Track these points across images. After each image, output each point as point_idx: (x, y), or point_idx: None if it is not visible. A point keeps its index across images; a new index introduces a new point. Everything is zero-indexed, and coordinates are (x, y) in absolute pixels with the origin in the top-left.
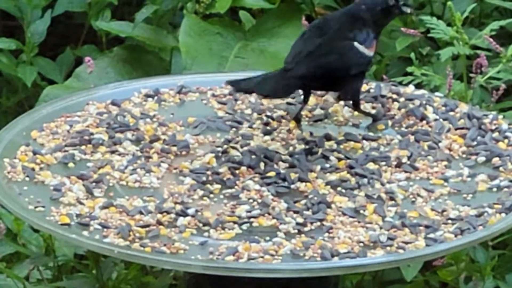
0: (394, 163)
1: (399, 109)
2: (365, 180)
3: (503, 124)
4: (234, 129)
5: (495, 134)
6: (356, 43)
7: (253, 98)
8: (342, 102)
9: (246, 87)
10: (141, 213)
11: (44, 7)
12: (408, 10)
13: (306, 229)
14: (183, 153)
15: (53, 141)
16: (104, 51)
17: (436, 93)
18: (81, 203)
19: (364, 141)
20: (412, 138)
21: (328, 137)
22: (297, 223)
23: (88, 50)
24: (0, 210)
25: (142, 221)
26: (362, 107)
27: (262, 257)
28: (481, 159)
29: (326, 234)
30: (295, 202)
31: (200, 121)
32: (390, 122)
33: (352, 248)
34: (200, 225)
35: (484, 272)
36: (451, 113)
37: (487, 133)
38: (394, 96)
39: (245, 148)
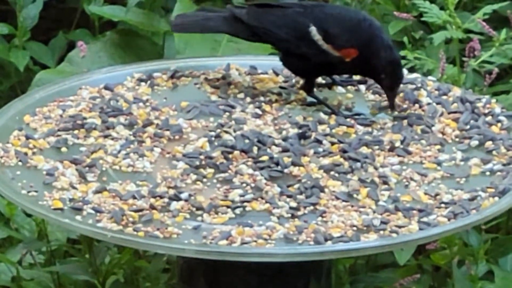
0: (387, 147)
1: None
2: (358, 164)
3: (496, 108)
4: (227, 113)
5: (488, 118)
6: (313, 28)
7: (246, 82)
8: (340, 87)
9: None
10: (134, 197)
11: None
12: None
13: (299, 213)
14: (176, 137)
15: (46, 126)
16: (96, 36)
17: (429, 77)
18: (74, 188)
19: (358, 126)
20: (405, 122)
21: (321, 121)
22: (290, 207)
23: (81, 35)
24: None
25: (135, 206)
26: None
27: (255, 241)
28: (474, 143)
29: (320, 218)
30: (288, 186)
31: (193, 106)
32: (384, 104)
33: (345, 232)
34: (193, 209)
35: (477, 255)
36: (444, 97)
37: (480, 117)
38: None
39: (238, 132)
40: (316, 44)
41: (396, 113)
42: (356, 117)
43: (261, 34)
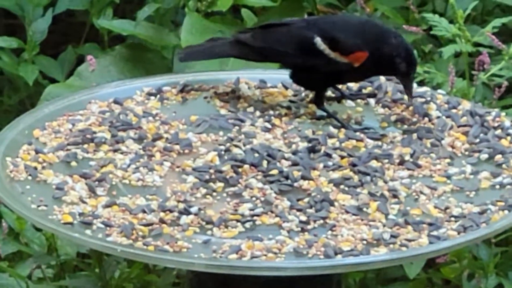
0: (397, 160)
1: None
2: (368, 178)
3: (505, 121)
4: (236, 127)
5: (498, 131)
6: (318, 38)
7: (255, 96)
8: (349, 101)
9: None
10: (144, 211)
11: (46, 5)
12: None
13: (309, 227)
14: (186, 151)
15: (56, 140)
16: (106, 50)
17: (439, 91)
18: (83, 202)
19: (367, 140)
20: (414, 135)
21: (331, 135)
22: (300, 221)
23: (90, 49)
24: (3, 209)
25: (145, 220)
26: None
27: (265, 255)
28: (484, 156)
29: (329, 232)
30: (298, 200)
31: (202, 120)
32: (393, 118)
33: (355, 246)
34: (203, 223)
35: (487, 269)
36: (454, 111)
37: (489, 130)
38: (399, 94)
39: (248, 146)
40: (323, 54)
41: (405, 126)
42: (366, 131)
43: (268, 54)
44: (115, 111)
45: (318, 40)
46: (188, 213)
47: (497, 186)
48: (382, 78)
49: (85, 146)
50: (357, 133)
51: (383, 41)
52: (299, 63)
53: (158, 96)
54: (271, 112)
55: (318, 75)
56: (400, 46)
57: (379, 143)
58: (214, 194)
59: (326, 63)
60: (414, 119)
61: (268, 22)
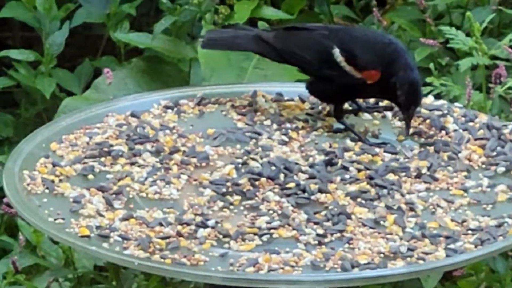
0: (414, 173)
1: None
2: (385, 191)
3: None
4: (253, 140)
5: None
6: (336, 49)
7: (272, 109)
8: (366, 114)
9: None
10: (161, 224)
11: (63, 18)
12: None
13: (326, 240)
14: (203, 164)
15: (73, 153)
16: (122, 62)
17: (456, 104)
18: (101, 215)
19: (385, 153)
20: (431, 148)
21: (347, 148)
22: (317, 234)
23: (107, 61)
24: (20, 222)
25: (162, 233)
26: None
27: (282, 268)
28: (501, 169)
29: (346, 245)
30: (315, 213)
31: (219, 133)
32: (410, 131)
33: (372, 259)
34: (220, 236)
35: (504, 282)
36: (471, 124)
37: (506, 143)
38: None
39: (265, 159)
40: (338, 66)
41: (422, 139)
42: (383, 145)
43: (287, 57)
44: (132, 124)
45: (336, 51)
46: (205, 226)
47: None
48: None
49: (102, 159)
50: (374, 147)
51: (392, 70)
52: (315, 71)
53: (175, 109)
54: (288, 125)
55: (333, 87)
56: (405, 80)
57: (396, 156)
58: (231, 207)
59: (340, 75)
60: (431, 132)
61: (292, 25)
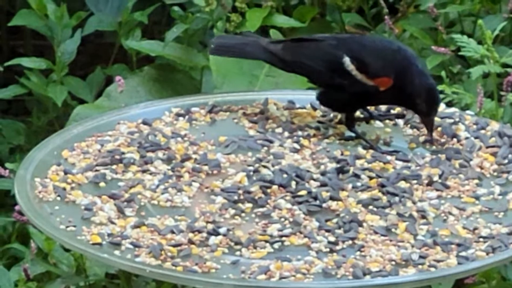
0: (426, 181)
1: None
2: (397, 198)
3: None
4: (265, 148)
5: None
6: (346, 58)
7: (284, 117)
8: (378, 122)
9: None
10: (172, 232)
11: (74, 26)
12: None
13: (337, 247)
14: (215, 172)
15: (84, 161)
16: (134, 70)
17: (467, 111)
18: (112, 223)
19: (396, 161)
20: (443, 156)
21: (359, 156)
22: (329, 242)
23: (119, 69)
24: (31, 229)
25: (174, 240)
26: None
27: (294, 275)
28: None
29: (358, 253)
30: (326, 220)
31: (231, 140)
32: (422, 139)
33: (384, 267)
34: (232, 244)
35: None
36: (482, 131)
37: None
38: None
39: (277, 167)
40: (350, 74)
41: (434, 147)
42: (394, 153)
43: (296, 68)
44: (143, 131)
45: (346, 60)
46: (216, 233)
47: None
48: None
49: (114, 166)
50: (385, 155)
51: (406, 77)
52: (326, 81)
53: (187, 116)
54: (300, 133)
55: (344, 95)
56: (422, 87)
57: (408, 163)
58: (243, 214)
59: (352, 84)
60: (443, 140)
61: (300, 36)
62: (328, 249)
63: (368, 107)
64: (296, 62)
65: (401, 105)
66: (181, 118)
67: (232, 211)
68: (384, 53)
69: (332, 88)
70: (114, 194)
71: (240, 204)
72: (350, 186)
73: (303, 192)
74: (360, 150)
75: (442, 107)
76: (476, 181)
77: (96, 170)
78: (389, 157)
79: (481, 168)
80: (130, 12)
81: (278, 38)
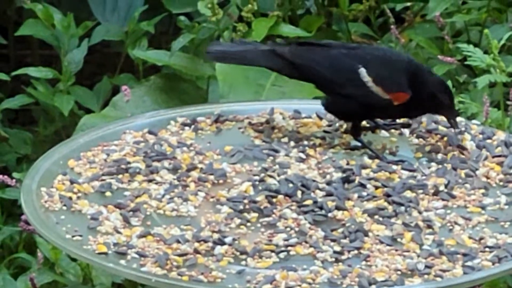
0: (432, 191)
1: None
2: (402, 208)
3: None
4: (271, 157)
5: None
6: (362, 69)
7: (290, 126)
8: (384, 131)
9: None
10: (178, 241)
11: (81, 36)
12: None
13: (343, 257)
14: (220, 181)
15: (90, 170)
16: (141, 80)
17: (473, 121)
18: (118, 232)
19: (402, 170)
20: (449, 166)
21: (365, 165)
22: (334, 252)
23: (125, 79)
24: (38, 239)
25: (180, 250)
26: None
27: (299, 285)
28: None
29: (364, 262)
30: (332, 230)
31: (237, 150)
32: (428, 149)
33: (389, 276)
34: (238, 253)
35: None
36: (488, 141)
37: None
38: (433, 125)
39: (282, 176)
40: (365, 86)
41: (439, 157)
42: (400, 162)
43: (305, 73)
44: (149, 141)
45: (363, 71)
46: (222, 243)
47: None
48: None
49: (120, 176)
50: (391, 165)
51: (424, 81)
52: (336, 89)
53: (193, 126)
54: (306, 142)
55: (354, 105)
56: (438, 82)
57: (414, 173)
58: (249, 224)
59: (364, 95)
60: (449, 150)
61: (304, 40)
62: (333, 259)
63: None
64: (306, 67)
65: (423, 112)
66: (187, 128)
67: (238, 221)
68: (399, 66)
69: (341, 97)
70: (120, 204)
71: (245, 214)
72: (355, 195)
73: (308, 202)
74: (366, 160)
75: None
76: (482, 190)
77: (102, 180)
78: (395, 167)
79: (487, 177)
80: (136, 22)
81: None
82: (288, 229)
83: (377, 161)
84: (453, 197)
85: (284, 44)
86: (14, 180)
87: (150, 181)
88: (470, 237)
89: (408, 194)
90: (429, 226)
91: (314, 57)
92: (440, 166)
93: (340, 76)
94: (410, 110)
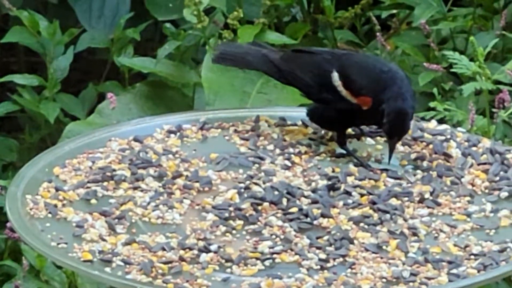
0: (417, 198)
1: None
2: (388, 215)
3: None
4: (256, 165)
5: None
6: (335, 74)
7: (275, 134)
8: (369, 139)
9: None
10: (163, 249)
11: (67, 43)
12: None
13: (328, 265)
14: (206, 189)
15: (76, 178)
16: (126, 87)
17: (459, 128)
18: (103, 240)
19: (387, 178)
20: (434, 173)
21: (350, 173)
22: (320, 259)
23: (111, 86)
24: (23, 246)
25: (165, 257)
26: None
27: None
28: (504, 194)
29: (349, 270)
30: (317, 238)
31: (222, 157)
32: (413, 156)
33: (374, 284)
34: (223, 261)
35: None
36: (474, 149)
37: (509, 168)
38: (419, 132)
39: (268, 184)
40: (336, 89)
41: (425, 164)
42: (385, 171)
43: (290, 79)
44: (135, 149)
45: (335, 75)
46: (207, 251)
47: None
48: None
49: (105, 183)
50: (376, 172)
51: (383, 97)
52: (315, 94)
53: (178, 133)
54: (291, 150)
55: (331, 112)
56: (393, 109)
57: (399, 181)
58: (234, 232)
59: (337, 100)
60: (434, 157)
61: (299, 48)
62: (319, 266)
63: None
64: (290, 73)
65: (378, 124)
66: (172, 135)
67: (223, 228)
68: (371, 72)
69: (321, 104)
70: (105, 211)
71: (231, 221)
72: (341, 203)
73: (294, 209)
74: (351, 167)
75: (433, 124)
76: (468, 198)
77: (87, 187)
78: (380, 174)
79: (473, 185)
80: (122, 29)
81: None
82: (274, 236)
83: (363, 168)
84: (439, 204)
85: (278, 51)
86: None
87: (135, 188)
88: (455, 245)
89: (394, 201)
90: (415, 234)
91: (299, 62)
92: (425, 173)
93: (317, 81)
94: (376, 117)
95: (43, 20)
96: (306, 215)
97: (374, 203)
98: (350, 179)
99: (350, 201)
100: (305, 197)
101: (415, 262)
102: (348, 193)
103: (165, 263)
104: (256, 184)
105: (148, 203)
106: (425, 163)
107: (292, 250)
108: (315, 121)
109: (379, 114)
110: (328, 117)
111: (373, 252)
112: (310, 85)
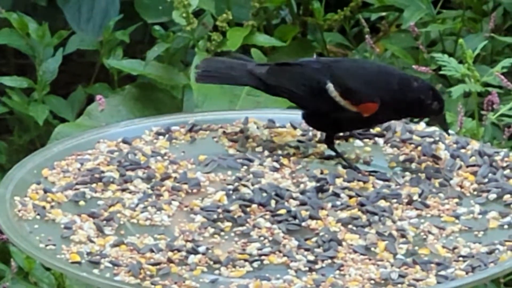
0: (405, 200)
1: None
2: (376, 217)
3: None
4: (245, 167)
5: (507, 171)
6: (330, 85)
7: (264, 136)
8: (358, 141)
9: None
10: (152, 251)
11: (56, 45)
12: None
13: (317, 266)
14: (194, 191)
15: (64, 179)
16: (115, 89)
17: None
18: (91, 241)
19: (376, 180)
20: (423, 175)
21: (339, 175)
22: (308, 261)
23: (100, 88)
24: (12, 248)
25: (153, 259)
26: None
27: None
28: (492, 196)
29: (337, 272)
30: (306, 239)
31: (211, 159)
32: (402, 158)
33: (363, 286)
34: (211, 263)
35: None
36: (463, 151)
37: (498, 170)
38: (408, 134)
39: (256, 186)
40: (333, 100)
41: (413, 166)
42: (373, 174)
43: (280, 93)
44: (123, 150)
45: (330, 86)
46: (196, 252)
47: (506, 226)
48: None
49: (94, 185)
50: (364, 174)
51: (406, 88)
52: (309, 106)
53: (167, 135)
54: (280, 151)
55: (328, 120)
56: (425, 88)
57: (387, 182)
58: (222, 233)
59: (335, 110)
60: (423, 159)
61: (285, 60)
62: (307, 268)
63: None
64: (278, 87)
65: (407, 116)
66: (161, 137)
67: (212, 230)
68: (366, 77)
69: (316, 113)
70: (94, 213)
71: (219, 223)
72: (329, 205)
73: (282, 211)
74: (340, 169)
75: (422, 126)
76: (456, 200)
77: (76, 189)
78: (368, 176)
79: (461, 187)
80: (111, 31)
81: (263, 61)
82: (262, 238)
83: (351, 170)
84: (427, 206)
85: (263, 64)
86: None
87: (123, 190)
88: (443, 247)
89: (382, 203)
90: (403, 236)
91: (287, 76)
92: (414, 175)
93: (310, 93)
94: (394, 113)
95: (32, 22)
96: (295, 217)
97: (362, 205)
98: (338, 181)
99: (338, 202)
100: (294, 198)
101: (403, 263)
102: (336, 195)
103: (153, 264)
104: (244, 185)
105: (137, 205)
106: (413, 165)
107: (280, 251)
108: (314, 127)
109: (387, 112)
110: (326, 124)
111: (362, 254)
112: (304, 98)
